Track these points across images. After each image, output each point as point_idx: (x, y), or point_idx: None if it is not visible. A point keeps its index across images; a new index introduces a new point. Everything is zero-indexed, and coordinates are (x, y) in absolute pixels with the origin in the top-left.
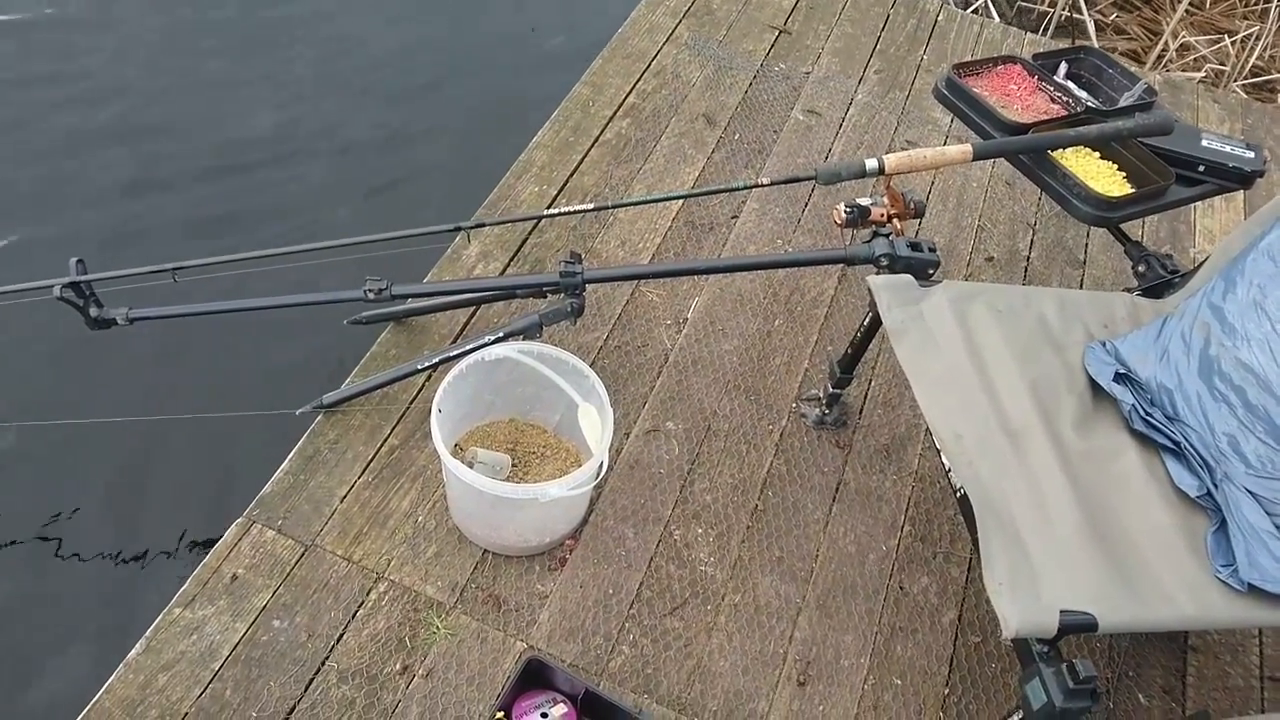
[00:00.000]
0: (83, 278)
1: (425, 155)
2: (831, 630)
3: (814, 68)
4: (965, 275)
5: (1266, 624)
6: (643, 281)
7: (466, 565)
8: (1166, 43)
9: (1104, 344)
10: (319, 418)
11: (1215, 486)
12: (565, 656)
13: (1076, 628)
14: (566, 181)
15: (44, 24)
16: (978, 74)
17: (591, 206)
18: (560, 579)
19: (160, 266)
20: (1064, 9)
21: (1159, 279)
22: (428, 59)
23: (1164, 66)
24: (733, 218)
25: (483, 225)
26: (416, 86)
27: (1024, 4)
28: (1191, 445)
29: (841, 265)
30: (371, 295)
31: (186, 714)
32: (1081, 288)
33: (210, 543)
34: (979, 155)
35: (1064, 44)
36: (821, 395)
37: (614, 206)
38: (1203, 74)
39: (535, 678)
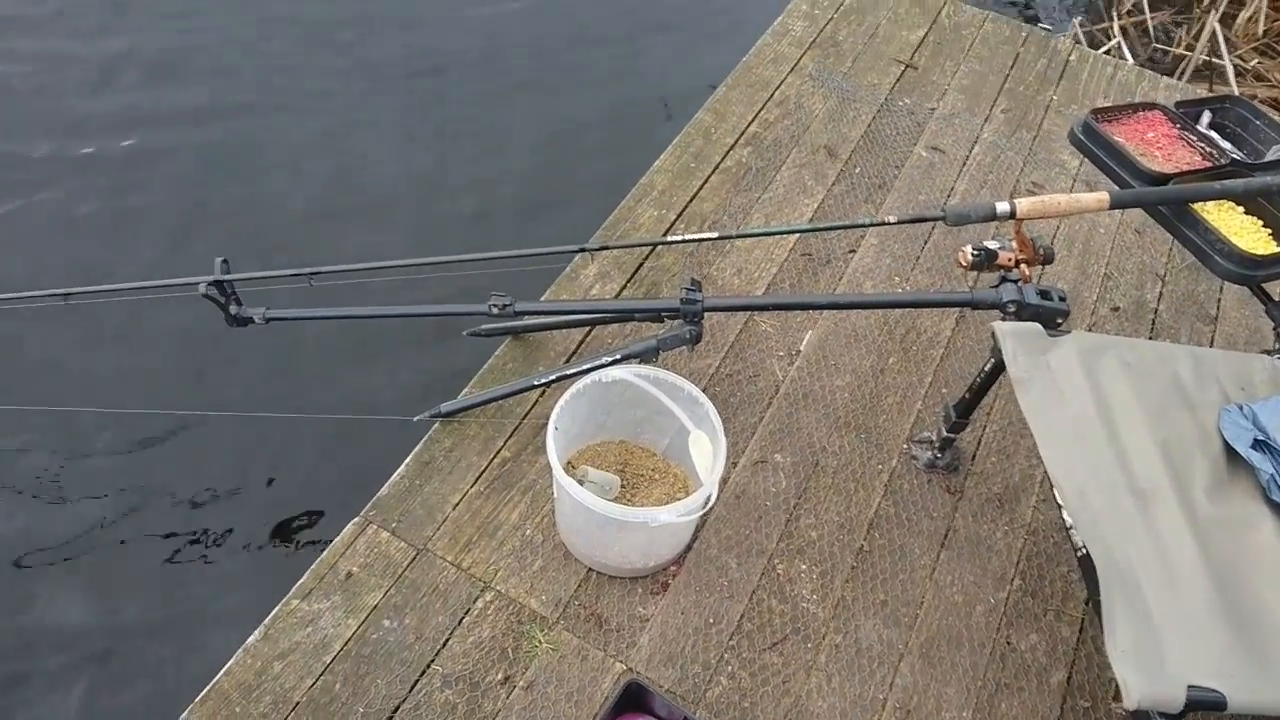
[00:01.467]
0: (226, 277)
1: (546, 175)
2: (934, 680)
3: (939, 104)
4: (1089, 325)
5: None
6: (757, 312)
7: (570, 582)
8: None
9: (1241, 407)
10: (435, 425)
11: None
12: (663, 682)
13: (1203, 705)
14: (685, 207)
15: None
16: (1117, 120)
17: (714, 235)
18: (662, 603)
19: (298, 270)
20: (1202, 53)
21: None
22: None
23: None
24: (850, 252)
25: (606, 248)
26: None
27: (1159, 46)
28: None
29: (971, 309)
30: (496, 310)
31: (298, 703)
32: (1213, 345)
33: (328, 539)
34: (1116, 204)
35: (1201, 89)
36: (934, 438)
37: (735, 236)
38: None
39: (634, 701)
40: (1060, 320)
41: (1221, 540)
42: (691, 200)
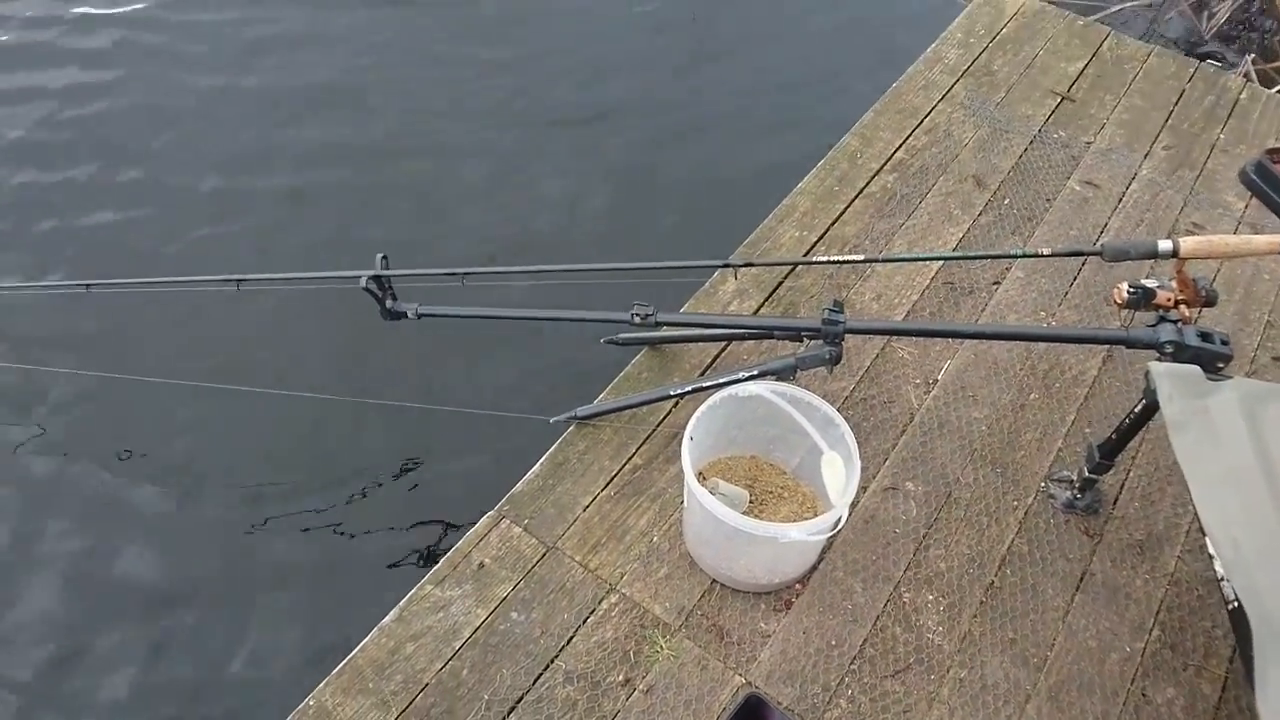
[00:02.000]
0: (385, 272)
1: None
2: None
3: (1096, 138)
4: (1248, 373)
5: None
6: (895, 337)
7: (695, 591)
8: None
9: None
10: (571, 428)
11: None
12: (781, 699)
13: None
14: (828, 230)
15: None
16: None
17: (860, 258)
18: (785, 621)
19: (453, 270)
20: None
21: None
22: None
23: None
24: (994, 284)
25: (750, 265)
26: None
27: None
28: None
29: (1108, 346)
30: (638, 320)
31: (427, 684)
32: None
33: (464, 528)
34: None
35: None
36: (1075, 478)
37: (880, 260)
38: None
39: (752, 715)
40: (1221, 365)
41: None
42: (834, 223)
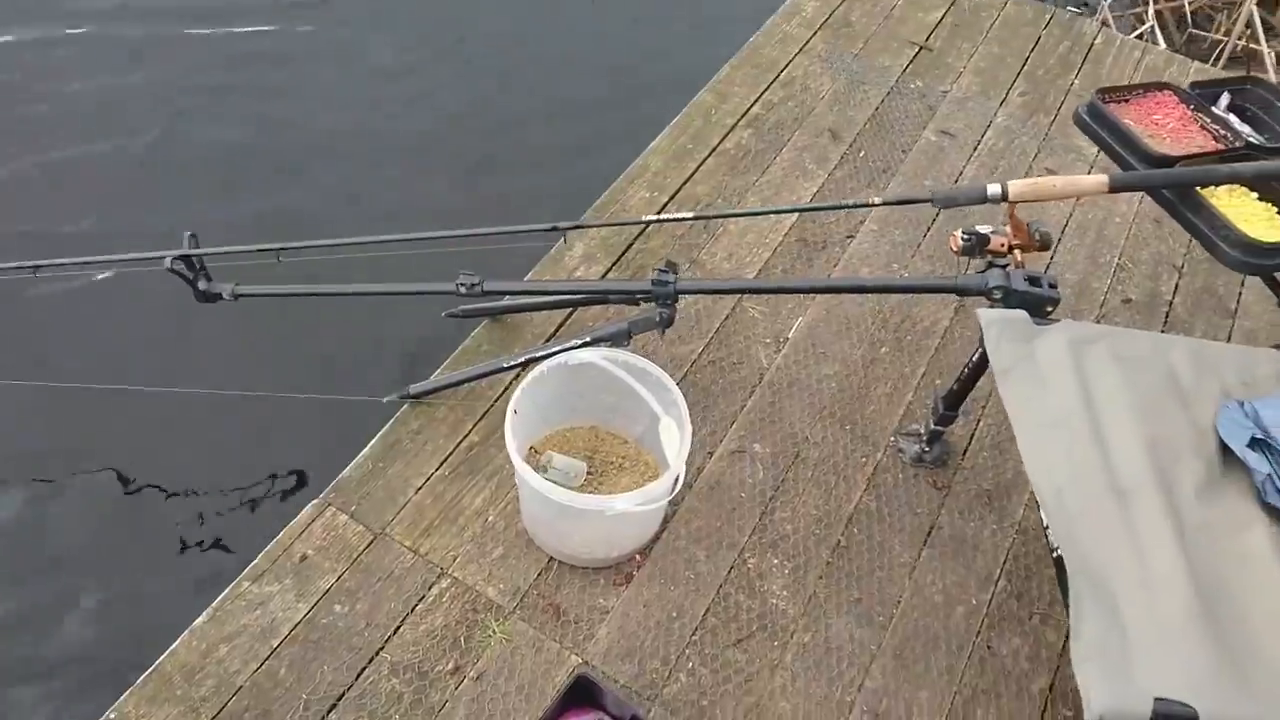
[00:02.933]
0: (194, 251)
1: (542, 154)
2: (906, 683)
3: (953, 87)
4: (1098, 317)
5: None
6: (745, 297)
7: (531, 571)
8: None
9: (1242, 404)
10: (404, 407)
11: None
12: (619, 677)
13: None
14: (679, 190)
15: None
16: (1125, 101)
17: (690, 216)
18: (624, 595)
19: (266, 245)
20: (1240, 38)
21: None
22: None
23: None
24: (848, 238)
25: (581, 227)
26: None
27: (1196, 31)
28: None
29: (961, 297)
30: (463, 290)
31: (241, 687)
32: (1230, 340)
33: (287, 520)
34: (1116, 187)
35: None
36: (923, 431)
37: (712, 217)
38: None
39: (584, 695)
40: (1050, 309)
41: (1206, 544)
42: (686, 183)
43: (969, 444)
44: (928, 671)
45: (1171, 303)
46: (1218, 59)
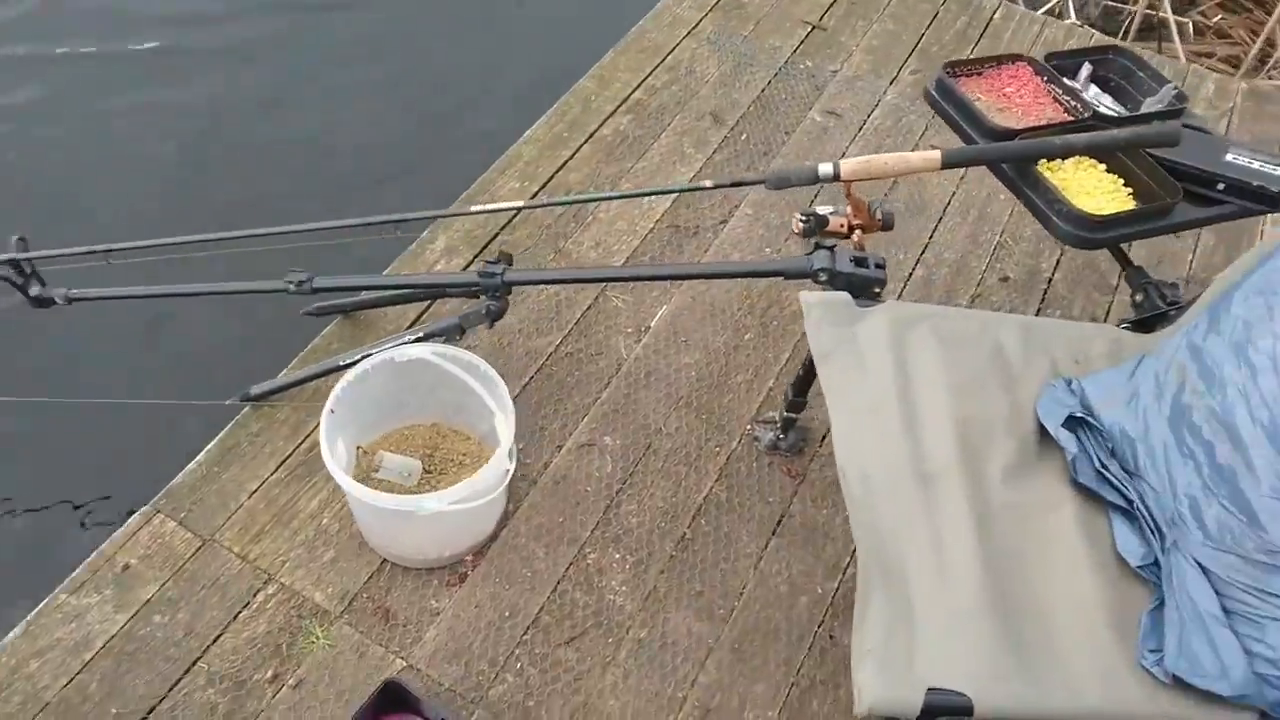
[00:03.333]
0: (22, 255)
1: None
2: (741, 677)
3: (843, 66)
4: (974, 295)
5: None
6: (610, 286)
7: (362, 574)
8: (1267, 49)
9: (1069, 382)
10: (245, 409)
11: (1163, 555)
12: (445, 680)
13: (946, 709)
14: (551, 177)
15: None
16: (975, 74)
17: (516, 205)
18: (457, 596)
19: (93, 248)
20: (1146, 8)
21: (1154, 310)
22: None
23: (1267, 73)
24: (721, 223)
25: (406, 220)
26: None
27: (1111, 4)
28: (1146, 506)
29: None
30: (293, 287)
31: (48, 704)
32: (1108, 317)
33: (115, 530)
34: (948, 163)
35: (1149, 49)
36: (778, 418)
37: (539, 206)
38: None
39: (398, 702)
40: (878, 290)
41: (1008, 527)
42: (559, 170)
43: (828, 431)
44: (765, 664)
45: (1051, 279)
46: (1126, 33)
